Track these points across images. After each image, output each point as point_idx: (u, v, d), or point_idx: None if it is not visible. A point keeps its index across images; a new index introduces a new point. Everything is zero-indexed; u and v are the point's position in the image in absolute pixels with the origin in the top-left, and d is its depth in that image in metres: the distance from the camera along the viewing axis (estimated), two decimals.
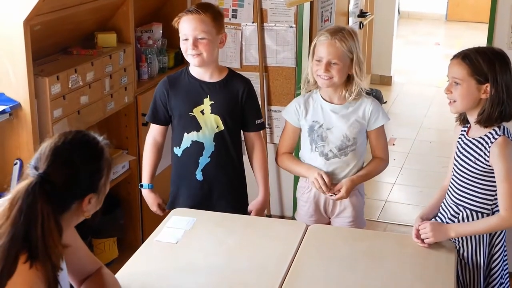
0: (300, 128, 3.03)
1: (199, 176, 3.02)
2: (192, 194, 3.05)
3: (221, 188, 3.04)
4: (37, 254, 1.72)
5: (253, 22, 4.28)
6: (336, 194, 2.92)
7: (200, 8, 2.87)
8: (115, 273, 2.30)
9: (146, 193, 3.13)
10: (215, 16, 2.90)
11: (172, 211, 2.88)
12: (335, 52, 2.83)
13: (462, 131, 2.71)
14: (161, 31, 4.20)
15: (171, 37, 4.28)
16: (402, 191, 5.28)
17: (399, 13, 10.10)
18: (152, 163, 3.11)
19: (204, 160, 3.00)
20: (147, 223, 4.01)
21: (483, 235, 2.62)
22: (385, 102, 7.11)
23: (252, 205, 3.11)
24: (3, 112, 2.87)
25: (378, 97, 6.78)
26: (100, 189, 1.91)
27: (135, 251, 2.53)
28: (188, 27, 2.86)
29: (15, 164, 3.00)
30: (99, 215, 2.00)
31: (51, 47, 3.40)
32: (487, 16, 3.83)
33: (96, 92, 3.42)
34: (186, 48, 2.88)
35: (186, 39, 2.87)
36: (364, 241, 2.63)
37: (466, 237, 2.62)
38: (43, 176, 1.77)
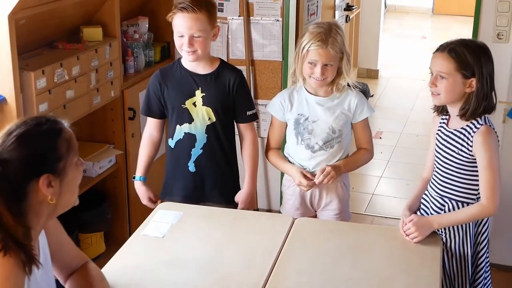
0: (287, 122, 3.04)
1: (191, 167, 3.03)
2: (185, 185, 3.06)
3: (213, 179, 3.06)
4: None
5: (239, 16, 4.28)
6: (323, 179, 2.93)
7: (195, 5, 2.83)
8: (102, 267, 2.30)
9: (138, 186, 3.14)
10: (210, 12, 2.89)
11: (159, 205, 2.88)
12: (329, 56, 2.85)
13: (441, 122, 2.72)
14: (147, 25, 4.19)
15: (157, 31, 4.27)
16: (388, 184, 5.30)
17: (385, 6, 10.11)
18: (146, 157, 3.12)
19: (196, 151, 3.01)
20: (134, 217, 4.01)
21: (469, 226, 2.64)
22: (372, 96, 7.13)
23: (238, 197, 3.12)
24: None
25: (365, 90, 6.80)
26: (60, 172, 1.85)
27: (122, 245, 2.53)
28: (183, 25, 2.85)
29: None
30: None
31: (36, 41, 3.39)
32: (473, 10, 3.84)
33: (82, 86, 3.41)
34: (181, 44, 2.88)
35: (181, 36, 2.87)
36: (350, 234, 2.64)
37: (453, 229, 2.64)
38: None
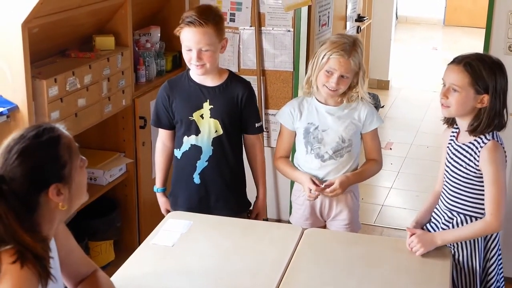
0: (295, 131, 3.05)
1: (196, 179, 3.03)
2: (190, 197, 3.06)
3: (218, 191, 3.05)
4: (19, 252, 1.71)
5: (251, 26, 4.29)
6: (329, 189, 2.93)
7: (203, 19, 2.81)
8: (111, 275, 2.30)
9: (159, 197, 3.21)
10: (218, 26, 2.87)
11: (169, 214, 2.89)
12: (348, 68, 2.87)
13: (451, 136, 2.71)
14: (159, 34, 4.21)
15: (169, 40, 4.28)
16: (398, 195, 5.29)
17: (397, 17, 10.12)
18: (162, 168, 3.15)
19: (201, 164, 3.01)
20: (144, 226, 4.01)
21: (477, 240, 2.62)
22: (383, 107, 7.12)
23: (257, 208, 3.16)
24: (1, 114, 2.88)
25: (375, 101, 6.79)
26: (67, 179, 1.85)
27: (132, 254, 2.54)
28: (191, 39, 2.84)
29: None
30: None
31: (49, 49, 3.41)
32: (484, 21, 3.84)
33: (93, 94, 3.42)
34: (190, 58, 2.87)
35: (189, 50, 2.86)
36: (360, 245, 2.64)
37: (461, 242, 2.63)
38: None
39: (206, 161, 3.00)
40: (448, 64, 2.62)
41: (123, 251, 3.73)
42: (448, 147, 2.71)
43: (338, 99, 2.96)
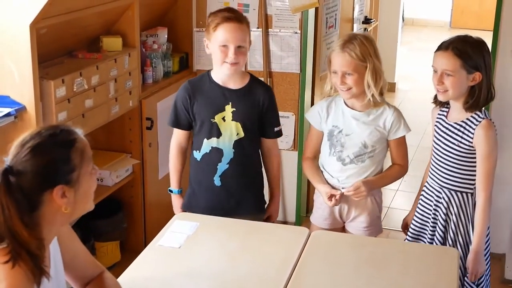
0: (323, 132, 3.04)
1: (217, 181, 3.01)
2: (210, 198, 3.04)
3: (239, 194, 3.04)
4: (12, 248, 1.72)
5: (258, 28, 4.29)
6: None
7: (239, 16, 2.86)
8: (117, 276, 2.30)
9: (175, 198, 3.16)
10: (248, 25, 2.91)
11: (175, 216, 2.88)
12: (347, 63, 2.83)
13: (440, 114, 2.89)
14: (166, 36, 4.21)
15: (176, 41, 4.29)
16: (405, 197, 5.28)
17: (403, 19, 10.10)
18: (179, 169, 3.12)
19: (223, 166, 2.99)
20: (150, 227, 4.01)
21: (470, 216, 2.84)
22: None
23: (270, 211, 3.17)
24: (8, 114, 2.88)
25: None
26: (74, 183, 1.85)
27: (138, 255, 2.53)
28: (230, 35, 2.82)
29: None
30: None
31: (56, 50, 3.41)
32: (491, 24, 3.84)
33: (100, 95, 3.43)
34: (225, 56, 2.84)
35: (225, 46, 2.84)
36: (366, 248, 2.63)
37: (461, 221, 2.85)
38: (7, 168, 1.76)
39: (227, 164, 2.98)
40: (436, 51, 2.79)
41: (129, 252, 3.74)
42: (436, 126, 2.88)
43: (365, 102, 2.92)
